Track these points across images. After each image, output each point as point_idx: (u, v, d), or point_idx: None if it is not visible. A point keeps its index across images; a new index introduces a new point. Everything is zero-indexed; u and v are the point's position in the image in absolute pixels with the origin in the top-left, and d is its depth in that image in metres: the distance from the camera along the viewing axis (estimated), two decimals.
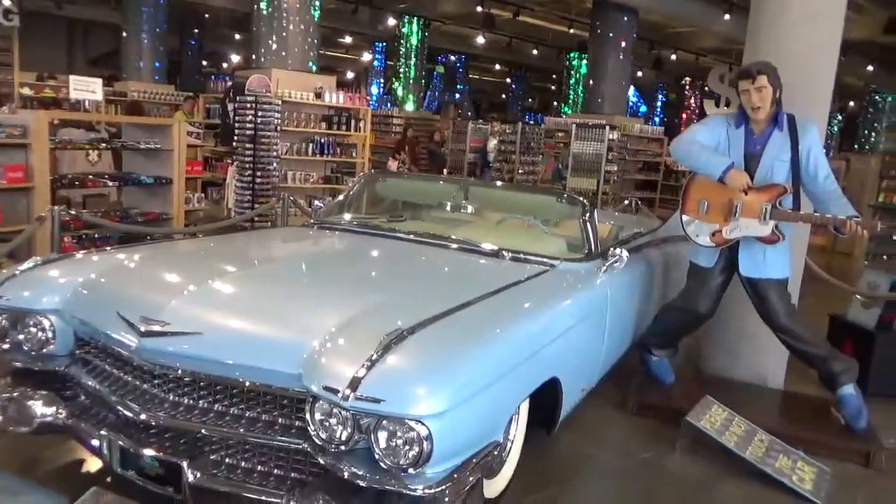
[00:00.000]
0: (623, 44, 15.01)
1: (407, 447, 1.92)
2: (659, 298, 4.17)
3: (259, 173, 7.84)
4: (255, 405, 2.19)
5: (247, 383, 2.15)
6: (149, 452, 2.18)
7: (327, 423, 2.01)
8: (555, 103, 28.75)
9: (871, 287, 4.44)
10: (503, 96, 32.70)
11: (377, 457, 1.95)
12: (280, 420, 2.16)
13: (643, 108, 28.63)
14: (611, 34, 14.95)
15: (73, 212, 4.55)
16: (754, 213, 3.40)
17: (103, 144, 6.30)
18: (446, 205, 4.13)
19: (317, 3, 9.79)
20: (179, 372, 2.23)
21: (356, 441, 1.99)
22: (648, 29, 17.69)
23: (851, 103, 27.50)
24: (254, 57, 9.69)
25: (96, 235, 5.45)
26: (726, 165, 3.38)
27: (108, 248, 3.13)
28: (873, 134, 22.72)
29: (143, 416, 2.22)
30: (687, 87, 27.20)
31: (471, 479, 2.05)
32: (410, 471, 1.92)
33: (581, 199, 3.68)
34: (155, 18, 15.42)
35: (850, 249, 8.79)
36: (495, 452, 2.23)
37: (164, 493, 2.18)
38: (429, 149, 14.52)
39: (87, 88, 5.85)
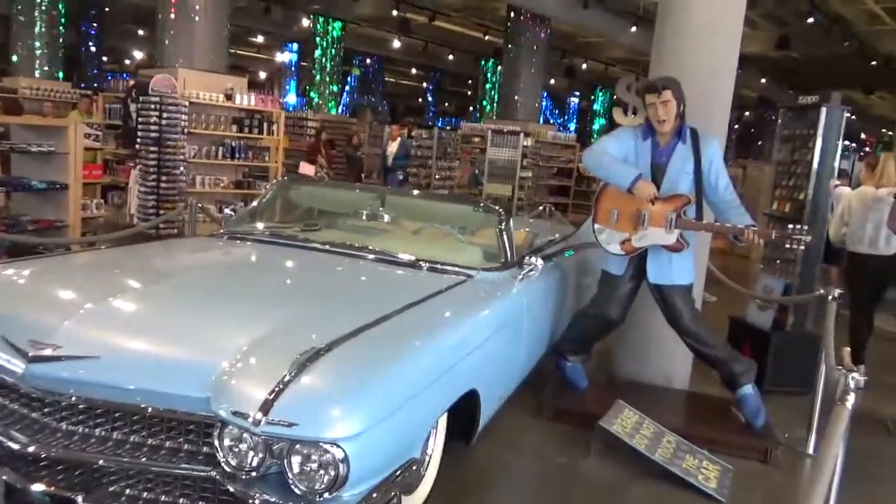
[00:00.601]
0: (536, 52, 15.38)
1: (322, 471, 1.85)
2: (573, 304, 4.26)
3: (164, 177, 7.51)
4: (157, 432, 2.06)
5: (149, 409, 2.02)
6: (38, 487, 2.01)
7: (237, 449, 1.92)
8: (471, 108, 29.11)
9: (767, 291, 4.71)
10: (419, 100, 32.80)
11: (291, 482, 1.87)
12: (186, 447, 2.04)
13: (559, 118, 29.46)
14: (524, 42, 15.28)
15: None
16: (661, 222, 3.53)
17: None
18: (362, 214, 4.07)
19: (226, 4, 9.46)
20: (73, 399, 2.07)
21: (268, 466, 1.91)
22: (560, 38, 18.20)
23: (747, 113, 29.34)
24: (159, 55, 9.26)
25: None
26: (634, 176, 3.49)
27: None
28: (768, 145, 24.35)
29: (31, 448, 2.05)
30: (598, 94, 28.15)
31: (389, 499, 2.01)
32: (326, 495, 1.86)
33: (497, 208, 3.71)
34: (48, 9, 14.44)
35: (746, 252, 9.33)
36: (413, 469, 2.21)
37: None
38: (346, 153, 14.32)
39: None
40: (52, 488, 2.01)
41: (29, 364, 2.05)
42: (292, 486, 1.87)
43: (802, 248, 3.48)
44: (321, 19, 19.00)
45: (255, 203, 4.01)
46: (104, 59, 22.67)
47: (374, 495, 1.97)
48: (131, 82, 8.97)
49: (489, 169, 11.57)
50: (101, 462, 2.03)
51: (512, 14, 15.41)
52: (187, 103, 7.84)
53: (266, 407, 1.82)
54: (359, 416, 1.88)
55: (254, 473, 1.91)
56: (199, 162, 8.39)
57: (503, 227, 3.54)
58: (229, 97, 8.74)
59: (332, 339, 2.10)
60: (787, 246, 3.50)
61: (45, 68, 14.41)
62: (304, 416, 1.82)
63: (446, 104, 34.09)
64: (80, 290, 2.53)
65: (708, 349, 3.69)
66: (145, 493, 2.05)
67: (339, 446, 1.83)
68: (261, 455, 1.90)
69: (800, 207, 4.59)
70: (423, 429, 2.31)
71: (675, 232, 3.52)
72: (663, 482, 3.14)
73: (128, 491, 2.06)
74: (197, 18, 8.91)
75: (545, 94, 20.65)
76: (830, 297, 3.68)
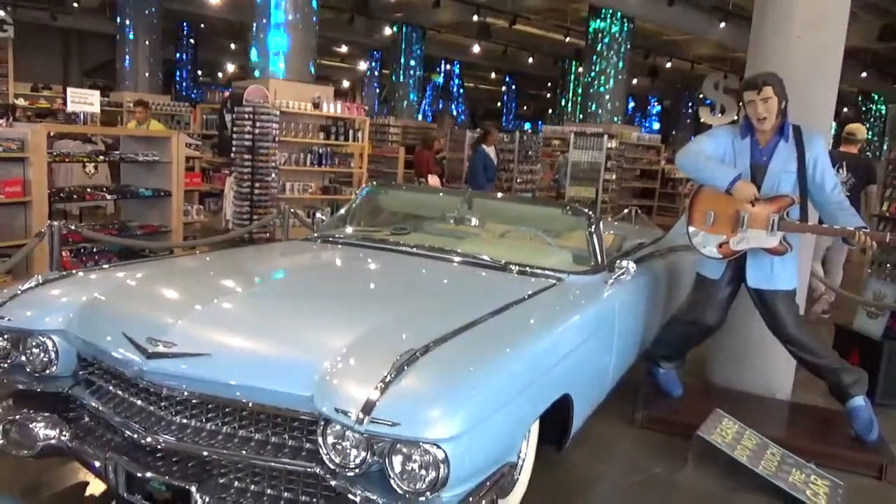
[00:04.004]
0: (619, 52, 15.09)
1: (423, 471, 1.87)
2: (664, 309, 4.13)
3: (257, 184, 7.81)
4: (264, 427, 2.15)
5: (256, 405, 2.11)
6: (156, 477, 2.13)
7: (340, 446, 1.97)
8: (549, 111, 28.88)
9: (877, 297, 4.42)
10: (498, 104, 32.81)
11: (392, 481, 1.90)
12: (290, 442, 2.12)
13: (641, 118, 28.79)
14: (607, 42, 15.02)
15: (72, 227, 4.48)
16: (762, 224, 3.38)
17: (101, 157, 6.24)
18: (450, 217, 4.10)
19: (314, 17, 9.77)
20: (186, 394, 2.18)
21: (370, 465, 1.94)
22: (644, 37, 17.78)
23: (845, 109, 27.71)
24: (251, 66, 9.67)
25: (94, 249, 5.40)
26: (734, 177, 3.36)
27: (109, 265, 3.08)
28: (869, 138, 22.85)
29: (149, 439, 2.17)
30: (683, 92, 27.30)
31: (486, 502, 2.01)
32: (427, 495, 1.87)
33: (586, 210, 3.65)
34: (150, 28, 15.39)
35: (849, 258, 8.78)
36: (510, 472, 2.20)
37: None
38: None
39: (84, 101, 5.82)
40: (169, 478, 2.12)
41: (148, 359, 2.18)
42: (394, 486, 1.90)
43: None
44: (403, 27, 19.34)
45: (345, 208, 4.11)
46: (199, 72, 23.93)
47: (471, 499, 1.97)
48: (226, 94, 9.41)
49: (572, 171, 11.41)
50: (212, 455, 2.13)
51: (594, 14, 15.17)
52: (278, 112, 8.13)
53: (369, 406, 1.85)
54: (459, 417, 1.88)
55: (357, 471, 1.95)
56: (288, 169, 8.69)
57: (593, 229, 3.48)
58: (317, 105, 9.01)
59: (430, 341, 2.12)
60: None
61: (146, 82, 15.32)
62: (405, 416, 1.85)
63: (525, 107, 33.94)
64: (189, 292, 2.66)
65: (815, 358, 3.49)
66: (252, 486, 2.14)
67: (440, 447, 1.84)
68: (363, 453, 1.94)
69: None
70: (519, 432, 2.30)
71: (778, 234, 3.36)
72: (766, 497, 3.00)
73: (236, 483, 2.15)
74: (286, 30, 9.24)
75: (629, 96, 20.20)
76: None
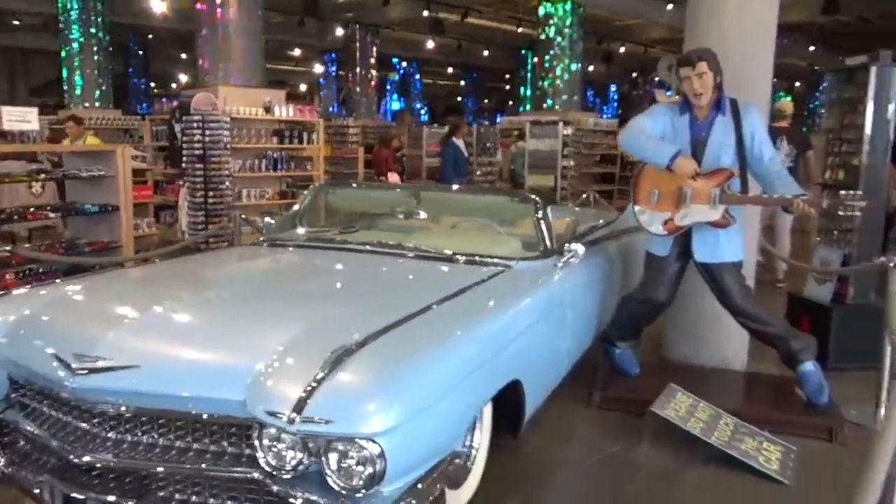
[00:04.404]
0: (572, 39, 15.19)
1: (360, 467, 1.85)
2: (619, 290, 4.16)
3: (211, 193, 7.68)
4: (201, 436, 2.09)
5: (191, 414, 2.05)
6: (93, 496, 2.07)
7: (276, 449, 1.93)
8: (510, 103, 28.98)
9: (824, 263, 4.50)
10: (458, 99, 32.82)
11: (329, 479, 1.87)
12: (229, 449, 2.07)
13: (601, 105, 29.04)
14: (558, 30, 15.11)
15: (8, 248, 4.34)
16: (704, 198, 3.41)
17: (43, 175, 6.08)
18: (399, 212, 4.07)
19: (260, 21, 9.65)
20: (121, 409, 2.12)
21: (307, 466, 1.91)
22: (596, 23, 17.90)
23: (797, 84, 28.28)
24: (199, 74, 9.52)
25: (41, 270, 5.24)
26: (673, 153, 3.38)
27: (56, 281, 3.00)
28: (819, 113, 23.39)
29: (85, 458, 2.11)
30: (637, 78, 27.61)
31: (431, 493, 1.99)
32: (365, 492, 1.85)
33: (533, 196, 3.65)
34: (96, 43, 15.04)
35: (803, 227, 8.96)
36: (457, 462, 2.18)
37: None
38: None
39: (21, 119, 5.64)
40: (108, 496, 2.06)
41: (76, 377, 2.11)
42: (332, 484, 1.87)
43: (858, 214, 3.32)
44: (357, 27, 19.22)
45: (293, 209, 4.05)
46: (152, 84, 23.51)
47: (420, 486, 1.96)
48: (175, 104, 9.24)
49: (530, 160, 11.44)
50: (149, 469, 2.07)
51: (543, 1, 15.26)
52: (228, 119, 8.00)
53: (300, 405, 1.82)
54: (393, 410, 1.86)
55: (294, 472, 1.92)
56: (243, 176, 8.56)
57: (540, 215, 3.48)
58: (268, 110, 8.89)
59: (367, 335, 2.10)
60: (841, 213, 3.33)
61: (97, 98, 14.97)
62: (338, 413, 1.82)
63: (486, 101, 33.99)
64: (123, 303, 2.59)
65: (763, 327, 3.54)
66: (194, 497, 2.09)
67: (374, 441, 1.81)
68: (299, 454, 1.90)
69: (854, 174, 4.36)
70: (463, 421, 2.28)
71: (721, 208, 3.40)
72: (722, 467, 3.03)
73: (177, 496, 2.10)
74: (232, 36, 9.11)
75: (586, 83, 20.35)
76: (892, 265, 3.47)
